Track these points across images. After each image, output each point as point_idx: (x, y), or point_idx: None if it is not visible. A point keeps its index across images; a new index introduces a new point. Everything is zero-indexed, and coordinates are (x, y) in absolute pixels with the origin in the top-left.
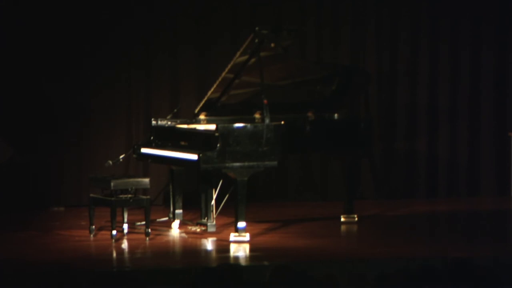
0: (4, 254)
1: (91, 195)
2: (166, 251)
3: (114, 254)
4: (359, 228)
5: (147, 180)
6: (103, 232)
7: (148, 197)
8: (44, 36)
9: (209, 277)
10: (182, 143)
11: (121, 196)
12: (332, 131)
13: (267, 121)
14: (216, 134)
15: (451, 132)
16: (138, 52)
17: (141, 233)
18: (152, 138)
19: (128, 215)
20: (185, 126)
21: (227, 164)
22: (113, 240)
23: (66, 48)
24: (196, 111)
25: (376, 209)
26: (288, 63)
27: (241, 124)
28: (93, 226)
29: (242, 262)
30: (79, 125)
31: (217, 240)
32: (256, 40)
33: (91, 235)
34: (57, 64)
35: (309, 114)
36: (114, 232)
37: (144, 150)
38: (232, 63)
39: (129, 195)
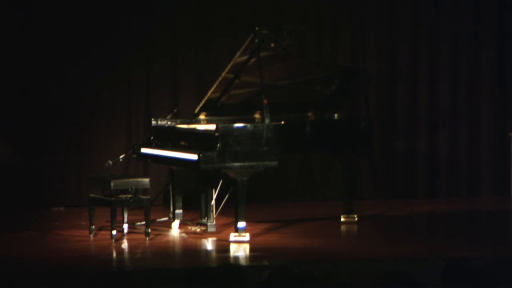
0: (4, 254)
1: (91, 195)
2: (166, 251)
3: (114, 254)
4: (359, 228)
5: (147, 180)
6: (103, 232)
7: (148, 197)
8: (45, 37)
9: (209, 277)
10: (182, 143)
11: (121, 196)
12: (332, 131)
13: (267, 121)
14: (216, 134)
15: (451, 132)
16: (138, 52)
17: (141, 233)
18: (152, 138)
19: (128, 215)
20: (185, 126)
21: (227, 164)
22: (113, 240)
23: (66, 48)
24: (196, 111)
25: (376, 209)
26: (288, 63)
27: (241, 124)
28: (93, 226)
29: (242, 262)
30: (79, 125)
31: (217, 240)
32: (256, 40)
33: (91, 235)
34: (57, 64)
35: (309, 114)
36: (114, 232)
37: (144, 150)
38: (232, 63)
39: (129, 195)
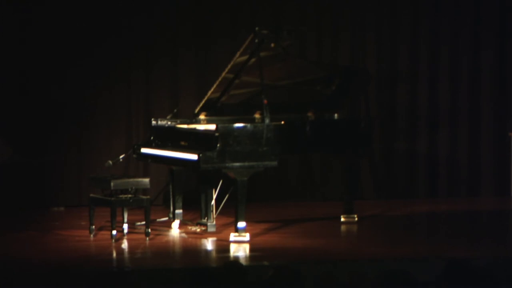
0: (4, 254)
1: (91, 195)
2: (166, 251)
3: (114, 254)
4: (359, 228)
5: (147, 180)
6: (103, 232)
7: (148, 197)
8: (45, 37)
9: (209, 277)
10: (182, 143)
11: (121, 196)
12: (332, 131)
13: (267, 121)
14: (216, 134)
15: (451, 132)
16: (138, 52)
17: (141, 233)
18: (152, 138)
19: (128, 215)
20: (185, 126)
21: (227, 164)
22: (113, 240)
23: (66, 48)
24: (196, 111)
25: (376, 209)
26: (288, 63)
27: (241, 124)
28: (93, 226)
29: (242, 262)
30: (79, 125)
31: (217, 240)
32: (256, 40)
33: (91, 235)
34: (57, 64)
35: (309, 114)
36: (114, 232)
37: (144, 150)
38: (232, 63)
39: (129, 195)
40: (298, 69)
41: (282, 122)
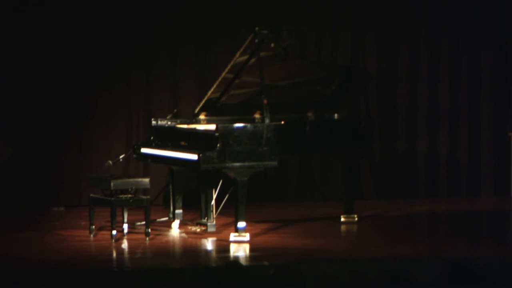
0: (4, 254)
1: (91, 195)
2: (166, 251)
3: (114, 254)
4: (359, 228)
5: (147, 180)
6: (103, 232)
7: (148, 197)
8: (45, 37)
9: (209, 276)
10: (182, 143)
11: (121, 196)
12: (332, 131)
13: (267, 121)
14: (216, 134)
15: (451, 132)
16: (138, 52)
17: (141, 233)
18: (152, 138)
19: (128, 215)
20: (185, 126)
21: (227, 164)
22: (113, 240)
23: (66, 48)
24: (196, 111)
25: (376, 209)
26: (288, 63)
27: (241, 124)
28: (93, 226)
29: (242, 262)
30: (79, 125)
31: (217, 240)
32: (256, 40)
33: (91, 235)
34: (57, 64)
35: (309, 114)
36: (114, 232)
37: (144, 150)
38: (232, 63)
39: (129, 195)
40: (298, 69)
41: (282, 122)
